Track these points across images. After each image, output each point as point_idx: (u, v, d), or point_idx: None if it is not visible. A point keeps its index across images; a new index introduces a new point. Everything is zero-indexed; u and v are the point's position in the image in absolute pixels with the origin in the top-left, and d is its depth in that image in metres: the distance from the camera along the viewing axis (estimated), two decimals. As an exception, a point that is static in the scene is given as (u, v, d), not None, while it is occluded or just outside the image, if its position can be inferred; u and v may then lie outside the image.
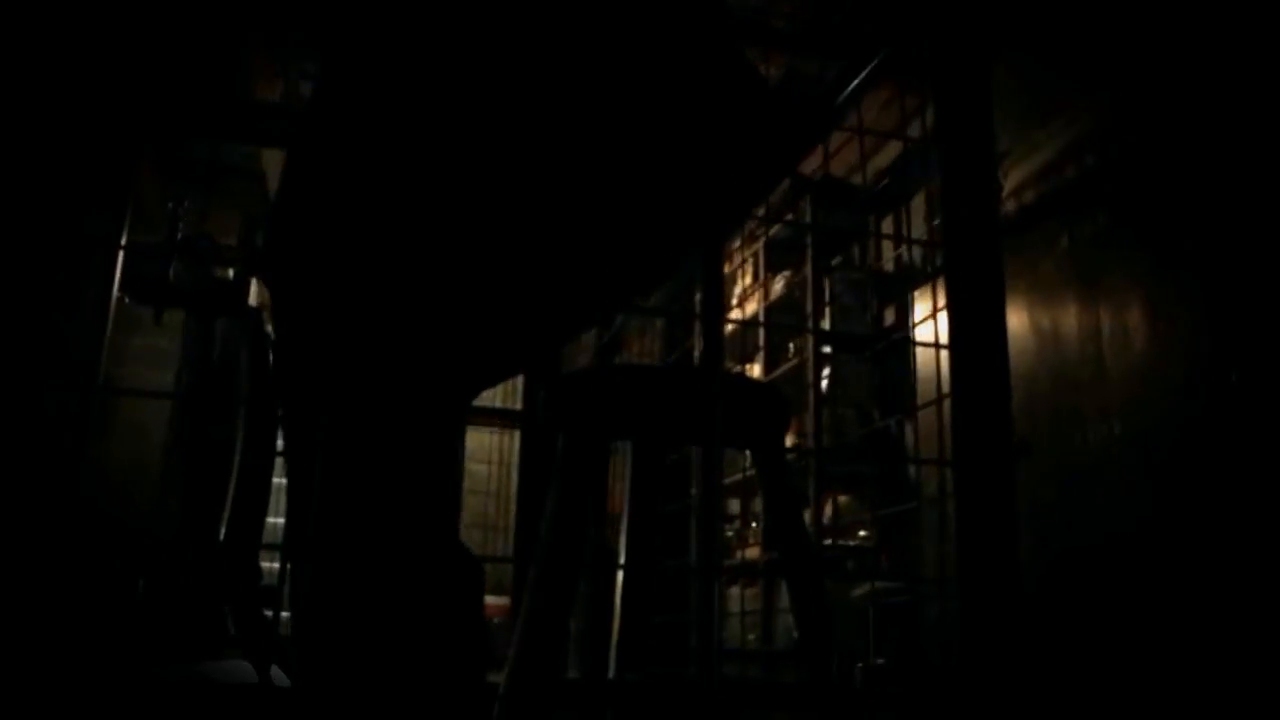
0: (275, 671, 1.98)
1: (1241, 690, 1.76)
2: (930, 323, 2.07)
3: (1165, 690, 1.93)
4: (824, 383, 3.76)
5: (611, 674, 1.09)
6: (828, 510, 3.61)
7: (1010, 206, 2.65)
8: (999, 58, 2.90)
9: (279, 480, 2.27)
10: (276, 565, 2.56)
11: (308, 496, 0.93)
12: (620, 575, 1.11)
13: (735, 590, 4.10)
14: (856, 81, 1.40)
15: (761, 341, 4.27)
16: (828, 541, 3.58)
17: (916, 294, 3.40)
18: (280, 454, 2.10)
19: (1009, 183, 2.69)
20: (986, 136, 1.04)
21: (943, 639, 2.72)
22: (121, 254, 2.31)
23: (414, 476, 0.81)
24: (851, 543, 3.67)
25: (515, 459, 5.40)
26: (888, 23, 1.39)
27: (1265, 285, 1.86)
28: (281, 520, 2.73)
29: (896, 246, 2.50)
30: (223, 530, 2.03)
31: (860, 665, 3.13)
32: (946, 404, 1.88)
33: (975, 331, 0.97)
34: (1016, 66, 2.48)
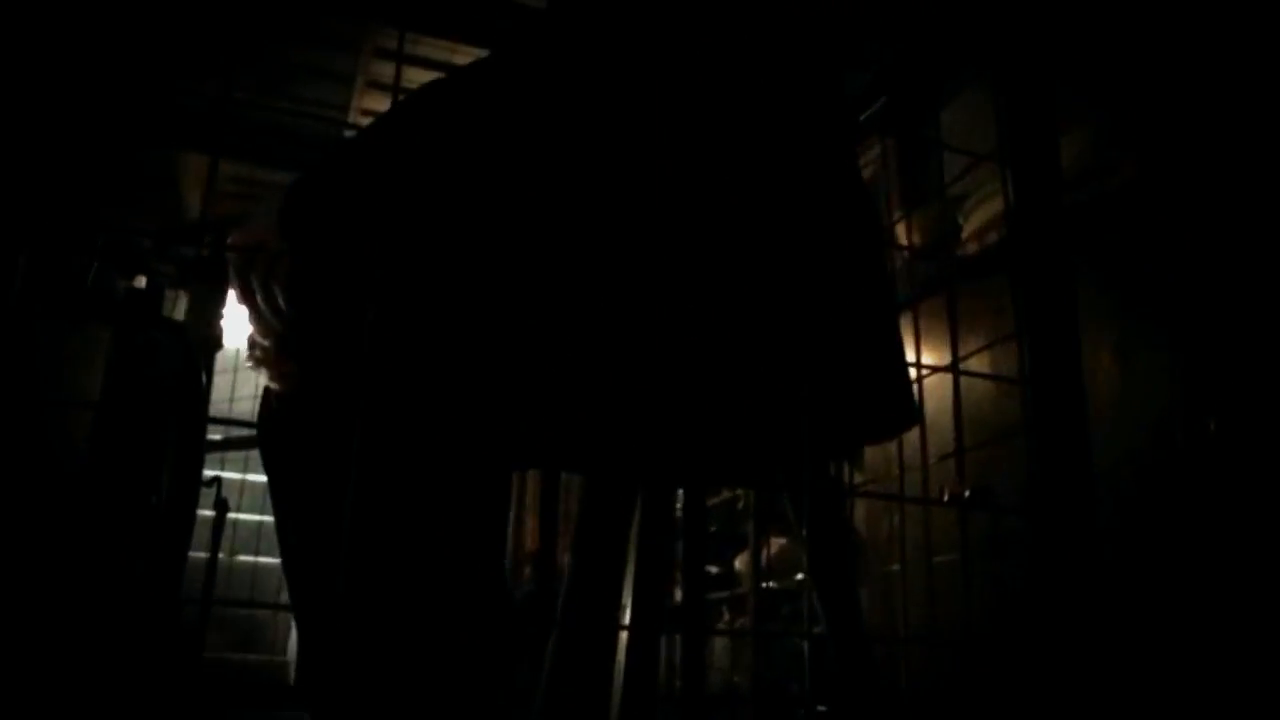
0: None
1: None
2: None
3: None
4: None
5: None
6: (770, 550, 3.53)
7: (972, 249, 2.63)
8: (960, 95, 2.90)
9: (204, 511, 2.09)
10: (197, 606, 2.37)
11: (318, 530, 0.82)
12: (624, 633, 0.99)
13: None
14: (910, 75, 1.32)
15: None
16: (767, 584, 3.50)
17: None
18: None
19: (970, 224, 2.67)
20: (1054, 148, 0.97)
21: (889, 686, 2.66)
22: (31, 257, 2.11)
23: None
24: (785, 587, 3.59)
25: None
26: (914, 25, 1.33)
27: (1243, 334, 1.84)
28: (203, 555, 2.53)
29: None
30: (141, 565, 1.84)
31: (802, 712, 3.05)
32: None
33: (1056, 364, 0.90)
34: (979, 103, 2.46)
